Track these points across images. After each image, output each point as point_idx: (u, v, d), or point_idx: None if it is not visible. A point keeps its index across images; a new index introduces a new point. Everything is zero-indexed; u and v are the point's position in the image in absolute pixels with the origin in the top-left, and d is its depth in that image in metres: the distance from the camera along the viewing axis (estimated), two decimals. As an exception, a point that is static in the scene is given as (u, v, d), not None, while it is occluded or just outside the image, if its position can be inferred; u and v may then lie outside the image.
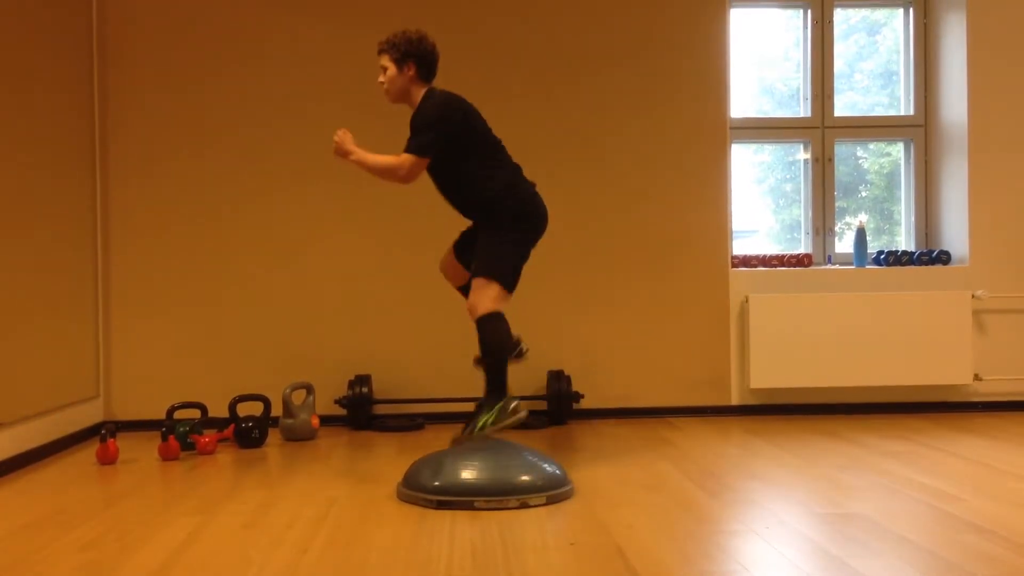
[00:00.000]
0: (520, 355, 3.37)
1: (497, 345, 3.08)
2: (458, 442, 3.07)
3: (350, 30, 4.36)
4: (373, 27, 4.34)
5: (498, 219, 3.17)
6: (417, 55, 3.17)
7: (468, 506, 2.69)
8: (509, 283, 3.13)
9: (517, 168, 3.27)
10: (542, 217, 3.24)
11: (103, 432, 3.48)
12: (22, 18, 3.56)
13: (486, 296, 3.07)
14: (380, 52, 3.22)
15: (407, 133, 3.18)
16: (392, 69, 3.18)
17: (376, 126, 4.09)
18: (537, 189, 3.27)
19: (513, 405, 3.04)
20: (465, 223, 3.36)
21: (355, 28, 4.36)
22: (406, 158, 3.08)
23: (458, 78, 4.37)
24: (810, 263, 4.60)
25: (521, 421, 3.06)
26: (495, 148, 3.23)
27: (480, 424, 2.99)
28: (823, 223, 4.71)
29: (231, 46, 4.34)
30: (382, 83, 3.22)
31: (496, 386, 3.07)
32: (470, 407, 4.23)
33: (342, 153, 3.20)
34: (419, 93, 3.19)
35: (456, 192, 3.24)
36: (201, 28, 4.33)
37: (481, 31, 4.40)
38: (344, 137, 3.20)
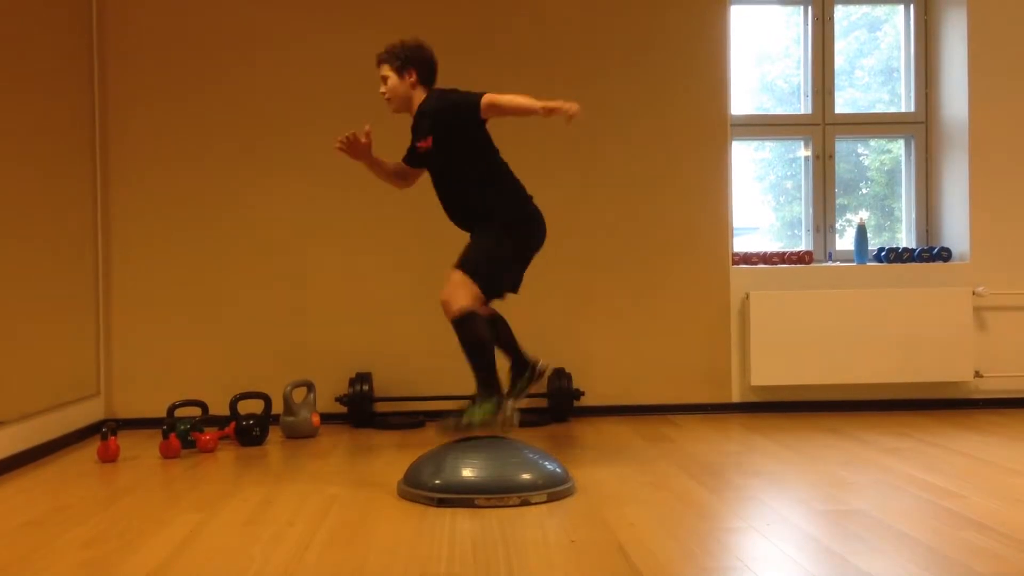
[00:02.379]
0: (539, 375, 3.32)
1: (478, 347, 3.01)
2: (442, 429, 3.04)
3: (350, 33, 4.35)
4: (373, 29, 4.35)
5: (496, 223, 3.15)
6: (418, 62, 3.20)
7: (469, 504, 2.69)
8: (490, 288, 3.12)
9: (516, 179, 3.29)
10: (541, 227, 3.25)
11: (104, 430, 3.48)
12: (22, 19, 3.56)
13: (461, 294, 3.00)
14: (379, 63, 3.24)
15: (408, 134, 3.29)
16: (393, 78, 3.21)
17: (376, 127, 4.07)
18: (538, 185, 3.31)
19: (509, 411, 3.00)
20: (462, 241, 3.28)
21: (355, 31, 4.35)
22: (490, 94, 3.05)
23: (458, 76, 4.37)
24: (811, 260, 4.60)
25: (511, 427, 3.00)
26: (498, 157, 3.24)
27: (468, 421, 2.95)
28: (824, 220, 4.71)
29: (231, 47, 4.34)
30: (383, 93, 3.24)
31: (487, 384, 3.00)
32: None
33: (562, 107, 2.90)
34: (421, 97, 3.22)
35: (460, 193, 3.22)
36: (201, 30, 4.33)
37: (482, 29, 4.40)
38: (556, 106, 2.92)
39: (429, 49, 3.24)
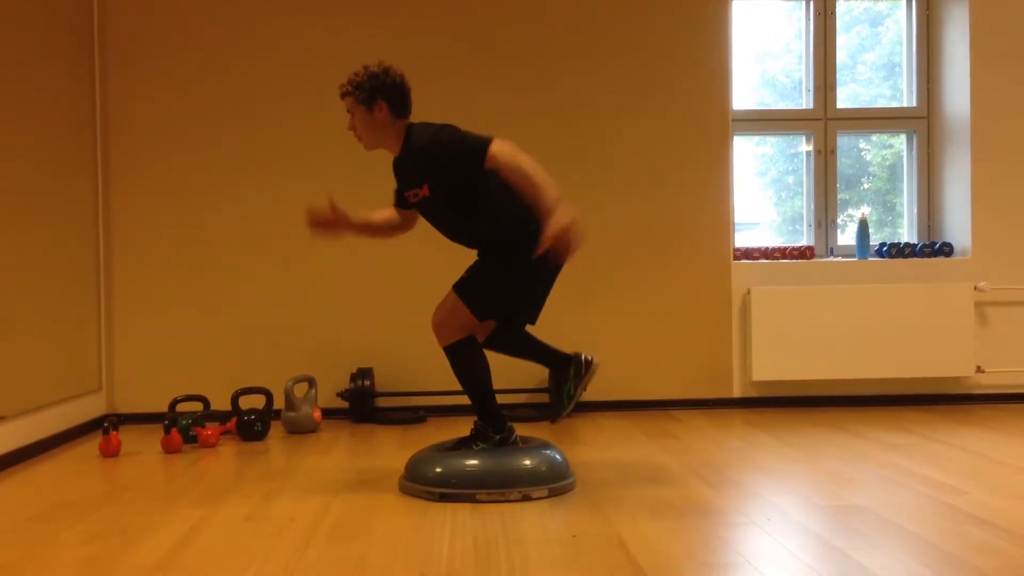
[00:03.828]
0: (588, 367, 3.03)
1: (469, 379, 2.87)
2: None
3: (353, 28, 4.35)
4: (376, 25, 4.35)
5: (503, 249, 2.82)
6: (386, 91, 2.77)
7: (470, 498, 2.69)
8: (480, 312, 2.84)
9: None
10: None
11: (106, 425, 3.48)
12: (23, 16, 3.55)
13: (453, 321, 2.82)
14: (343, 95, 2.83)
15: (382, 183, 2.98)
16: (360, 112, 2.80)
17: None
18: None
19: (512, 439, 2.91)
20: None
21: (358, 26, 4.35)
22: (501, 144, 2.61)
23: (459, 73, 4.38)
24: (812, 255, 4.59)
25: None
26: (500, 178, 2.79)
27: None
28: (825, 215, 4.71)
29: (233, 43, 4.33)
30: (352, 130, 2.85)
31: (488, 415, 2.90)
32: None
33: (570, 232, 2.55)
34: (397, 133, 2.82)
35: (461, 235, 2.91)
36: (203, 25, 4.32)
37: (482, 25, 4.39)
38: (566, 224, 2.54)
39: (398, 73, 2.81)
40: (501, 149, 2.61)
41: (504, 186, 2.73)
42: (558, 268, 2.89)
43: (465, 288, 2.84)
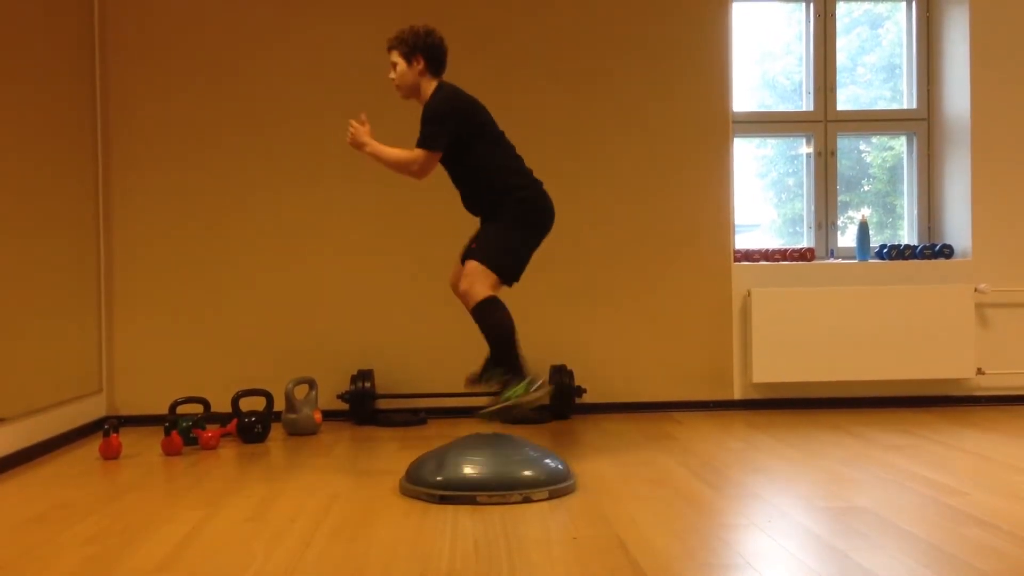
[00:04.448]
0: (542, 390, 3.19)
1: (502, 328, 3.09)
2: (485, 415, 3.09)
3: (355, 28, 4.35)
4: (379, 24, 4.33)
5: (505, 213, 3.23)
6: (426, 49, 3.24)
7: (470, 501, 2.69)
8: (507, 274, 3.20)
9: (524, 164, 3.33)
10: (549, 213, 3.29)
11: (106, 427, 3.48)
12: (23, 16, 3.56)
13: (481, 283, 3.09)
14: (390, 48, 3.28)
15: (416, 129, 3.23)
16: (402, 64, 3.25)
17: (381, 125, 4.07)
18: (541, 181, 3.31)
19: (539, 383, 3.09)
20: (471, 229, 3.35)
21: (360, 26, 4.35)
22: (418, 153, 3.15)
23: (461, 72, 4.36)
24: (812, 257, 4.59)
25: (541, 402, 3.15)
26: (503, 144, 3.30)
27: (508, 395, 3.03)
28: (825, 217, 4.71)
29: (234, 44, 4.34)
30: (392, 79, 3.28)
31: (514, 365, 3.10)
32: (472, 402, 4.24)
33: (357, 144, 3.26)
34: (429, 87, 3.26)
35: (466, 185, 3.31)
36: (204, 25, 4.33)
37: (484, 26, 4.39)
38: (360, 129, 3.26)
39: (439, 36, 3.29)
40: (412, 154, 3.18)
41: (497, 158, 3.25)
42: (543, 234, 3.28)
43: (481, 253, 3.16)
